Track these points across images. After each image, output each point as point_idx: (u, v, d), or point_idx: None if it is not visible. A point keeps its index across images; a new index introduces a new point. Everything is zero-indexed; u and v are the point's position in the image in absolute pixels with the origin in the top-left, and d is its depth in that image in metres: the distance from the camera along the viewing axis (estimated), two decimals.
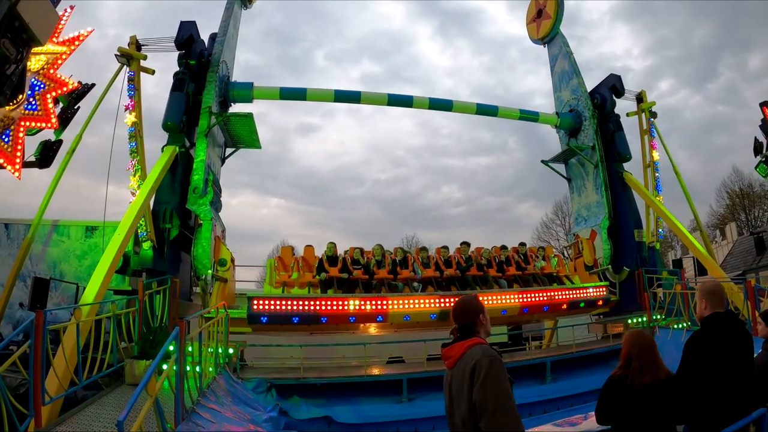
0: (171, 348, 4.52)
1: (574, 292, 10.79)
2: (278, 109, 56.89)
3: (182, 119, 9.71)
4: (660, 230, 12.41)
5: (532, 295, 10.13)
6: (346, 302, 8.91)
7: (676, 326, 9.20)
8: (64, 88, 5.58)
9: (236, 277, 11.03)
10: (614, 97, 12.80)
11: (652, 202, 12.04)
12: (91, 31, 6.17)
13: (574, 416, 6.47)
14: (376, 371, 8.83)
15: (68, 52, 5.59)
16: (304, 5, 59.40)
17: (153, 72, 9.55)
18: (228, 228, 10.85)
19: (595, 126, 12.73)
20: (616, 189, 12.42)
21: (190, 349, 5.33)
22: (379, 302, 9.08)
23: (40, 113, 5.30)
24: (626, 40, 64.57)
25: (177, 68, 10.20)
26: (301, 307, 8.70)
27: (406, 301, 9.28)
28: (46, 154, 7.34)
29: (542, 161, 13.95)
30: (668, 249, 27.57)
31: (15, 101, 3.65)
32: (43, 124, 5.48)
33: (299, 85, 12.08)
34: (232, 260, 10.29)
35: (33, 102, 5.31)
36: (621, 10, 62.08)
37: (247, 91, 11.37)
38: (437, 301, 9.41)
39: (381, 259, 10.31)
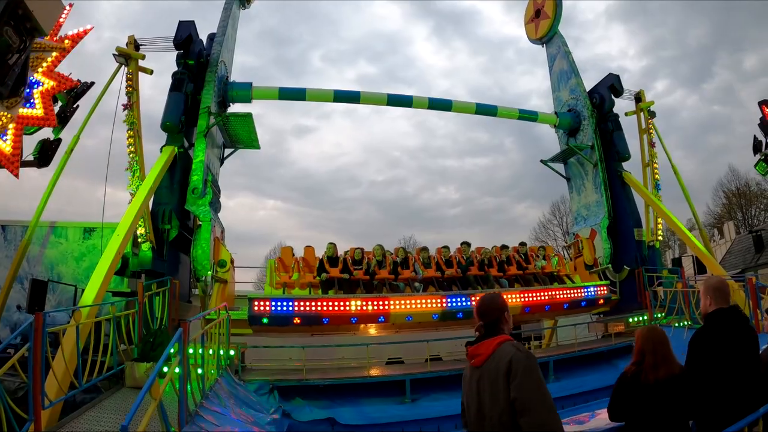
0: (173, 350, 4.45)
1: (575, 291, 10.78)
2: (274, 110, 57.01)
3: (181, 119, 9.62)
4: (659, 229, 12.45)
5: (534, 294, 10.12)
6: (347, 303, 8.86)
7: (677, 324, 9.21)
8: (65, 86, 5.49)
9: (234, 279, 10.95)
10: (613, 97, 12.80)
11: (651, 201, 12.06)
12: (91, 28, 6.10)
13: (580, 414, 6.45)
14: (378, 372, 8.77)
15: (68, 49, 5.52)
16: (300, 7, 59.53)
17: (151, 72, 9.46)
18: (225, 230, 10.77)
19: (594, 125, 12.74)
20: (616, 188, 12.43)
21: (191, 351, 5.26)
22: (380, 303, 9.03)
23: (39, 111, 5.22)
24: (621, 41, 65.05)
25: (173, 71, 10.10)
26: (303, 308, 8.64)
27: (408, 302, 9.24)
28: (45, 153, 7.25)
29: (542, 161, 13.95)
30: (665, 249, 27.66)
31: (17, 93, 3.57)
32: (43, 123, 5.39)
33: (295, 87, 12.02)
34: (232, 261, 10.21)
35: (31, 101, 5.23)
36: (616, 10, 62.57)
37: (246, 92, 11.29)
38: (439, 301, 9.36)
39: (382, 260, 10.26)
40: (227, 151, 11.65)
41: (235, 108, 11.50)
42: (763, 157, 11.83)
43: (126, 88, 8.92)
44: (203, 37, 11.02)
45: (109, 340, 5.84)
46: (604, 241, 11.99)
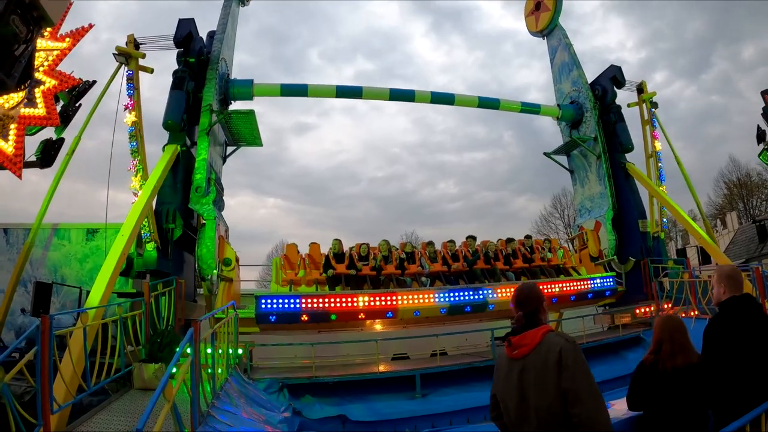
0: (188, 350, 4.38)
1: (582, 283, 10.75)
2: (274, 109, 56.71)
3: (183, 118, 9.53)
4: (664, 220, 12.41)
5: (542, 287, 10.05)
6: (355, 299, 8.81)
7: (683, 315, 9.17)
8: (67, 84, 5.40)
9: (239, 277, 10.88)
10: (615, 88, 12.76)
11: (655, 192, 12.01)
12: (92, 26, 6.01)
13: None
14: (387, 368, 8.73)
15: (69, 47, 5.43)
16: (297, 4, 59.13)
17: (152, 71, 9.37)
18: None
19: (596, 117, 12.67)
20: (620, 180, 12.37)
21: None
22: (388, 298, 8.98)
23: (41, 110, 5.13)
24: (620, 33, 64.86)
25: (173, 70, 10.00)
26: (310, 305, 8.58)
27: (415, 296, 9.19)
28: (47, 153, 7.15)
29: (545, 153, 13.87)
30: (668, 240, 27.63)
31: (23, 87, 3.46)
32: (46, 122, 5.30)
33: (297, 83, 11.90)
34: (237, 260, 10.14)
35: (33, 101, 5.15)
36: (614, 2, 62.29)
37: (247, 89, 11.19)
38: (447, 295, 9.31)
39: (388, 255, 10.21)
40: (230, 148, 11.55)
41: (235, 106, 11.42)
42: (767, 147, 11.79)
43: (127, 89, 8.82)
44: (203, 35, 10.92)
45: (116, 342, 5.77)
46: (609, 232, 11.95)
